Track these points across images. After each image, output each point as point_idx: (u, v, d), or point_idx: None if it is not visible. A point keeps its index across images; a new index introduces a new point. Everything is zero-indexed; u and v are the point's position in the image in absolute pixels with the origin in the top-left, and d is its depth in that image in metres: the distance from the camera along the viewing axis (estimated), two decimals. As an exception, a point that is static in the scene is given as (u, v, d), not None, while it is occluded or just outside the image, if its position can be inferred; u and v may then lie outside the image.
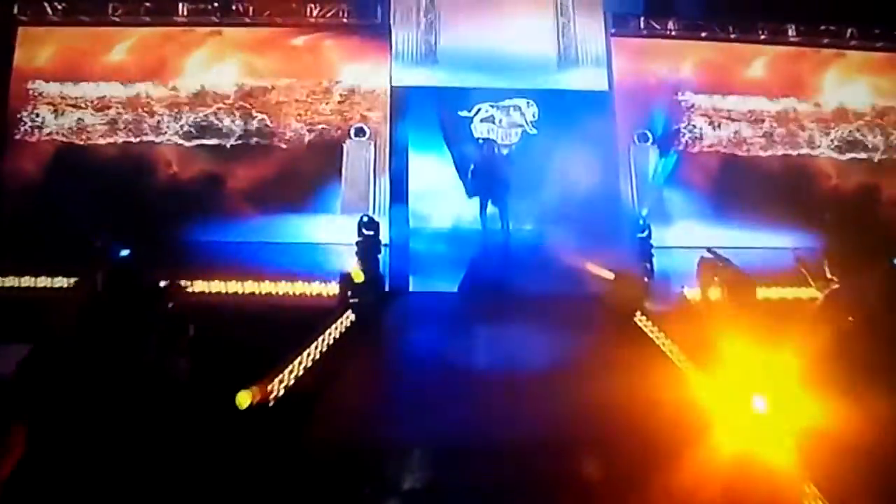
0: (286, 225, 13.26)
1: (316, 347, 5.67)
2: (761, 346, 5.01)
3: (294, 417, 4.61)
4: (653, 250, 12.28)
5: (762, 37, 15.39)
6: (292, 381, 4.89)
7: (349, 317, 6.83)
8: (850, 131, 15.20)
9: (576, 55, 14.50)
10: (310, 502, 4.45)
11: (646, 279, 9.00)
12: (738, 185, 14.26)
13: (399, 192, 13.60)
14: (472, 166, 13.21)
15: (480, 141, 13.90)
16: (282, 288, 9.47)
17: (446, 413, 5.19)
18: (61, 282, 9.86)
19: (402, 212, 13.40)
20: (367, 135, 14.22)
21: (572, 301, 8.14)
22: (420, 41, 14.39)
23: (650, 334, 6.26)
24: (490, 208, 12.85)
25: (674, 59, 15.16)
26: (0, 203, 13.41)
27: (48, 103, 14.51)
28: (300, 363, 5.21)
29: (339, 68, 14.62)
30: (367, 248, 11.89)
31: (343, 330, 6.43)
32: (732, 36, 15.29)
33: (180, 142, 14.37)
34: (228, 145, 14.30)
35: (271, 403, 4.49)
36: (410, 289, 12.46)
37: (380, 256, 12.11)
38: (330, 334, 6.10)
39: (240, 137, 14.34)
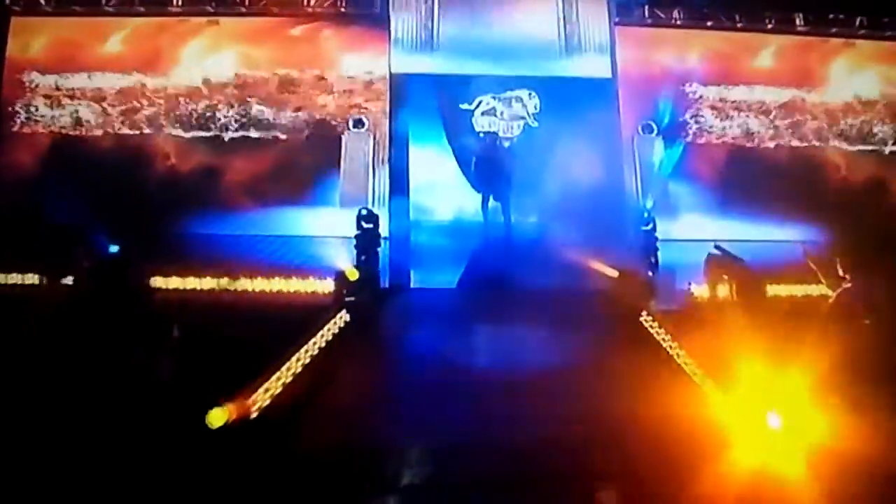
0: (284, 218, 13.04)
1: (307, 351, 5.42)
2: (773, 354, 4.78)
3: (275, 433, 4.38)
4: (658, 244, 12.03)
5: (769, 26, 15.08)
6: (276, 393, 4.60)
7: (343, 317, 6.58)
8: (859, 122, 14.93)
9: (579, 42, 14.17)
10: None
11: (651, 277, 8.73)
12: (744, 177, 13.99)
13: (399, 184, 13.35)
14: (474, 159, 12.96)
15: (482, 135, 13.63)
16: (276, 285, 9.17)
17: (443, 427, 4.98)
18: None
19: (403, 204, 13.16)
20: (366, 126, 13.99)
21: (575, 299, 7.90)
22: (419, 27, 14.05)
23: (656, 336, 6.02)
24: (492, 202, 12.64)
25: (679, 48, 14.90)
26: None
27: (43, 95, 14.31)
28: (287, 370, 4.94)
29: (337, 58, 14.37)
30: (366, 241, 11.72)
31: (336, 331, 6.19)
32: (739, 25, 14.98)
33: (177, 133, 14.16)
34: (226, 137, 14.09)
35: (253, 416, 4.24)
36: (411, 282, 12.28)
37: (379, 250, 11.95)
38: (323, 336, 5.86)
39: (237, 129, 14.13)
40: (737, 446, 4.12)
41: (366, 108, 14.07)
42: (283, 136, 14.04)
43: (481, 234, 12.59)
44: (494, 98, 13.88)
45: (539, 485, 4.57)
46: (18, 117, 14.14)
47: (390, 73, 13.86)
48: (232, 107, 14.22)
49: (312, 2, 14.52)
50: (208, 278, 8.71)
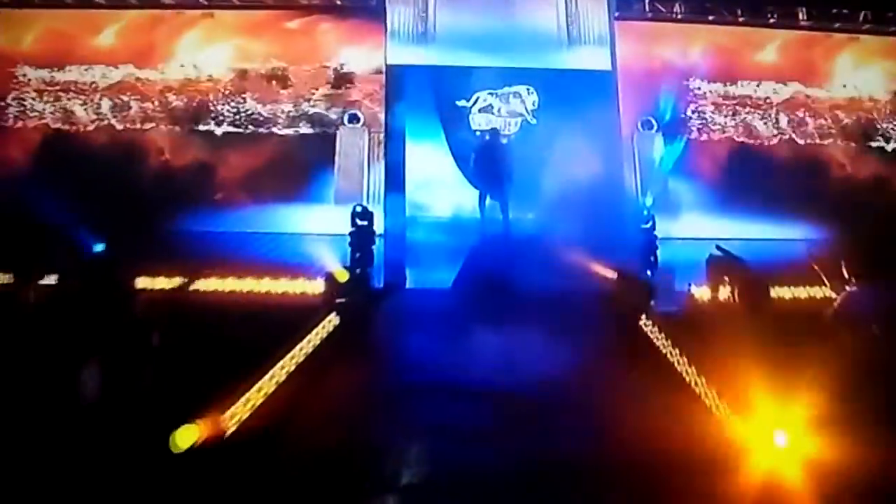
0: (278, 214, 12.83)
1: (292, 358, 5.20)
2: (776, 362, 4.58)
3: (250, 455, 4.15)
4: (657, 242, 11.82)
5: (772, 20, 14.86)
6: (254, 407, 4.37)
7: (332, 321, 6.36)
8: (864, 118, 14.71)
9: (578, 34, 13.86)
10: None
11: (650, 279, 8.53)
12: (746, 174, 13.82)
13: (395, 180, 13.07)
14: (472, 155, 12.73)
15: (478, 133, 13.41)
16: (265, 286, 8.93)
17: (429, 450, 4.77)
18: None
19: (399, 201, 12.90)
20: (362, 121, 13.80)
21: (573, 302, 7.69)
22: (416, 18, 13.73)
23: (656, 342, 5.82)
24: (489, 199, 12.42)
25: (680, 43, 14.67)
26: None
27: (33, 89, 14.14)
28: (270, 379, 4.71)
29: (333, 52, 14.24)
30: (361, 239, 11.52)
31: (325, 336, 5.97)
32: (741, 19, 14.74)
33: (170, 128, 13.99)
34: (219, 132, 13.92)
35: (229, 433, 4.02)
36: (407, 281, 12.04)
37: (374, 248, 11.76)
38: (310, 342, 5.64)
39: (231, 124, 13.94)
40: (741, 464, 3.94)
41: (361, 103, 13.87)
42: (278, 131, 13.87)
43: (478, 231, 12.35)
44: (492, 94, 13.62)
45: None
46: (9, 112, 13.92)
47: (386, 65, 13.58)
48: (226, 101, 14.06)
49: (308, -6, 14.34)
50: (194, 279, 8.50)
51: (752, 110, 14.66)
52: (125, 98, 14.13)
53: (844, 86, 14.90)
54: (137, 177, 13.19)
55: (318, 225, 12.46)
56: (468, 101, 13.56)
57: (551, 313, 7.10)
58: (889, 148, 14.68)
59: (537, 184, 12.36)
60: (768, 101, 14.71)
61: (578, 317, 6.99)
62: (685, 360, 5.24)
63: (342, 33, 14.25)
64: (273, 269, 9.48)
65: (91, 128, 14.04)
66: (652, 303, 7.03)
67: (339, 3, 14.34)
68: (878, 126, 14.72)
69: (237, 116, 13.96)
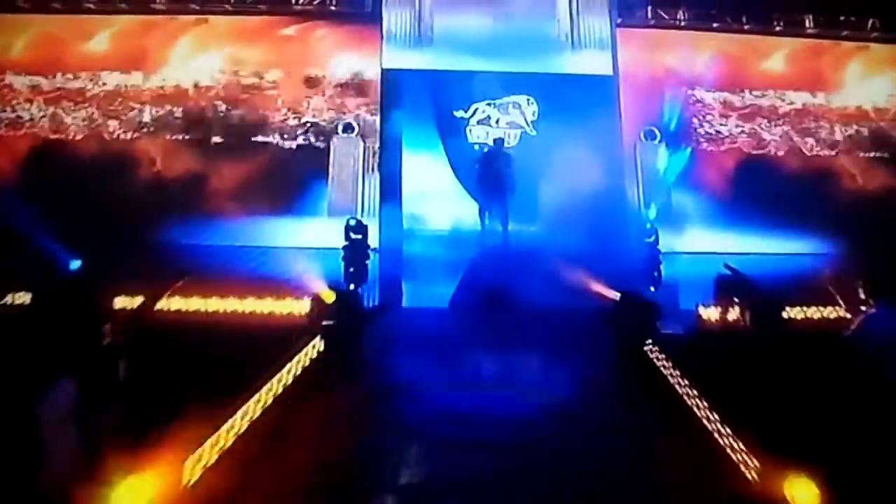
0: (269, 227, 12.45)
1: (270, 391, 4.78)
2: (791, 393, 4.22)
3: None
4: (661, 256, 11.49)
5: (777, 28, 14.52)
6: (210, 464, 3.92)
7: (316, 346, 5.95)
8: (874, 128, 14.35)
9: (578, 38, 13.56)
10: None
11: (655, 300, 8.16)
12: (753, 186, 13.43)
13: (391, 191, 12.74)
14: (473, 166, 12.38)
15: (476, 147, 13.06)
16: (249, 305, 8.54)
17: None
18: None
19: (395, 212, 12.56)
20: (356, 131, 13.44)
21: (574, 324, 7.31)
22: (413, 21, 13.41)
23: (663, 371, 5.43)
24: (489, 212, 12.06)
25: (684, 51, 14.29)
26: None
27: (21, 96, 13.80)
28: (238, 422, 4.27)
29: (327, 60, 13.90)
30: (355, 253, 11.21)
31: (306, 365, 5.56)
32: (746, 27, 14.39)
33: (161, 137, 13.64)
34: (212, 141, 13.56)
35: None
36: (403, 296, 11.68)
37: (368, 262, 11.45)
38: (290, 371, 5.23)
39: (223, 133, 13.60)
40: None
41: (356, 112, 13.53)
42: (270, 141, 13.53)
43: (477, 244, 12.00)
44: (490, 105, 13.27)
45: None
46: (-2, 120, 13.61)
47: (382, 70, 13.26)
48: (218, 110, 13.70)
49: (301, 0, 13.98)
50: (177, 297, 8.11)
51: (759, 120, 14.29)
52: (115, 106, 13.77)
53: (854, 95, 14.53)
54: (125, 187, 12.81)
55: (311, 238, 12.13)
56: (466, 111, 13.22)
57: (550, 337, 6.74)
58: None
59: (538, 196, 12.04)
60: (775, 110, 14.35)
61: (579, 341, 6.62)
62: (695, 392, 4.84)
63: (337, 40, 13.93)
64: (260, 286, 9.08)
65: (79, 136, 13.67)
66: (657, 324, 6.65)
67: (333, 9, 14.01)
68: (889, 136, 14.33)
69: (229, 125, 13.61)
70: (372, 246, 11.66)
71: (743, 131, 14.24)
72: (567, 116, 12.10)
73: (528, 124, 13.26)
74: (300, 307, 8.36)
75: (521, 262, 10.88)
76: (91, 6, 13.96)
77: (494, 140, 12.68)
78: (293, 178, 13.08)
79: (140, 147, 13.57)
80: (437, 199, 12.86)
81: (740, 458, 4.06)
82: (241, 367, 5.25)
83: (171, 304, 7.92)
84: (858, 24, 14.58)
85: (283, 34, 14.08)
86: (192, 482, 3.66)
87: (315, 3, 14.02)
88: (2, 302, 7.49)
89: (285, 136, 13.58)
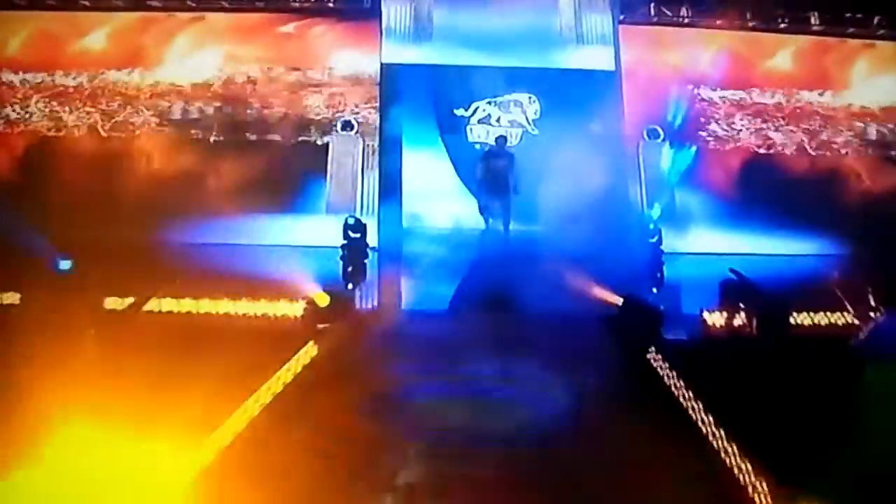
0: (267, 225, 12.33)
1: (257, 401, 4.59)
2: (799, 407, 4.06)
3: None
4: (663, 258, 11.34)
5: (782, 25, 14.33)
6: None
7: (309, 352, 5.77)
8: (880, 128, 14.20)
9: (580, 32, 13.35)
10: None
11: (658, 307, 7.99)
12: (758, 186, 13.21)
13: (391, 189, 12.56)
14: (474, 164, 12.24)
15: (477, 146, 12.89)
16: (242, 307, 8.35)
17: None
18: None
19: (395, 211, 12.40)
20: (355, 129, 13.30)
21: (575, 329, 7.15)
22: (412, 15, 13.19)
23: (667, 381, 5.26)
24: (490, 209, 11.93)
25: (687, 48, 14.12)
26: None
27: (17, 94, 13.67)
28: (222, 436, 4.08)
29: (326, 57, 13.78)
30: (353, 252, 11.06)
31: (298, 372, 5.38)
32: (750, 24, 14.19)
33: (157, 135, 13.52)
34: (209, 139, 13.46)
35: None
36: (403, 297, 11.52)
37: (367, 261, 11.30)
38: (280, 379, 5.05)
39: (221, 130, 13.49)
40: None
41: (356, 110, 13.38)
42: (268, 138, 13.42)
43: (478, 243, 11.87)
44: (491, 103, 13.10)
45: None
46: (-6, 116, 13.49)
47: (381, 64, 13.08)
48: (216, 108, 13.59)
49: (300, -4, 13.87)
50: (168, 299, 7.94)
51: (764, 119, 14.14)
52: (112, 104, 13.67)
53: (861, 94, 14.35)
54: (121, 185, 12.67)
55: (309, 237, 12.00)
56: (466, 110, 13.06)
57: (550, 345, 6.56)
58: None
59: (539, 195, 11.88)
60: (781, 109, 14.18)
61: (581, 349, 6.46)
62: (700, 406, 4.67)
63: (336, 37, 13.80)
64: (255, 286, 8.90)
65: (75, 134, 13.56)
66: (661, 330, 6.48)
67: (332, 5, 13.86)
68: (896, 136, 14.19)
69: (227, 123, 13.50)
70: (371, 245, 11.54)
71: (748, 130, 14.07)
72: (569, 114, 11.96)
73: (529, 123, 13.10)
74: (294, 310, 8.20)
75: (523, 263, 10.74)
76: (87, 3, 13.81)
77: (496, 138, 12.53)
78: (291, 176, 12.94)
79: (136, 145, 13.44)
80: (437, 197, 12.68)
81: (749, 481, 3.88)
82: (232, 370, 5.11)
83: (161, 305, 7.77)
84: (864, 21, 14.37)
85: (282, 31, 13.93)
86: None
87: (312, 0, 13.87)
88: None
89: (284, 133, 13.45)
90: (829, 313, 7.94)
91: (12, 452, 3.55)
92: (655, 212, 12.37)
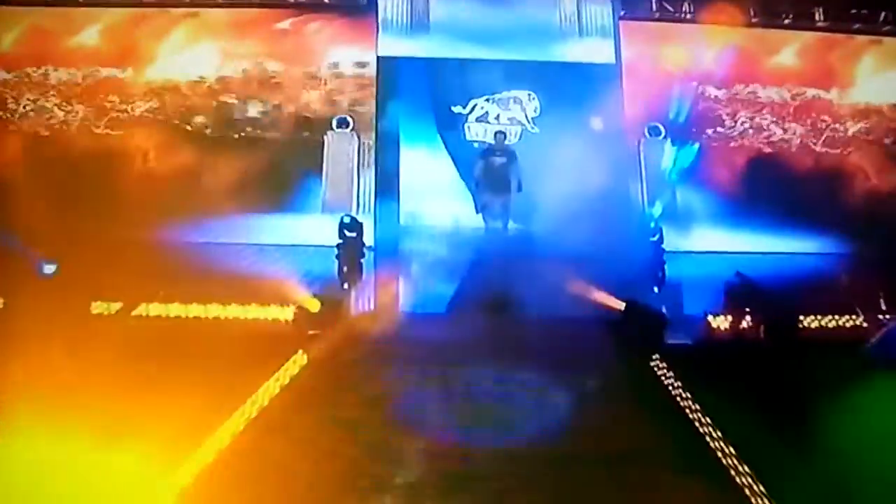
0: (261, 224, 12.16)
1: (242, 415, 4.38)
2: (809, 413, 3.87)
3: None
4: (665, 256, 11.19)
5: (787, 21, 14.12)
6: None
7: (298, 361, 5.52)
8: (887, 125, 13.95)
9: (580, 25, 13.19)
10: None
11: (661, 311, 7.81)
12: (761, 184, 13.05)
13: (388, 186, 12.42)
14: (473, 162, 12.06)
15: (476, 145, 12.70)
16: (232, 312, 8.14)
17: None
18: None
19: (392, 209, 12.24)
20: (351, 126, 13.10)
21: (577, 333, 6.96)
22: (410, 8, 13.04)
23: (672, 391, 5.04)
24: (489, 208, 11.79)
25: (690, 45, 13.88)
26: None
27: (10, 92, 13.46)
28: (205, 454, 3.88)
29: (322, 53, 13.54)
30: (349, 252, 10.92)
31: (286, 383, 5.14)
32: (754, 20, 13.97)
33: (152, 132, 13.31)
34: (203, 136, 13.27)
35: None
36: (400, 297, 11.36)
37: (363, 261, 11.17)
38: (267, 390, 4.83)
39: (215, 127, 13.29)
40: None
41: (352, 107, 13.20)
42: (262, 135, 13.23)
43: (477, 242, 11.70)
44: (489, 101, 12.92)
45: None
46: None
47: (378, 57, 12.93)
48: (210, 104, 13.40)
49: (293, -8, 13.68)
50: (156, 304, 7.73)
51: (768, 116, 13.91)
52: (105, 100, 13.48)
53: (867, 90, 14.14)
54: (115, 183, 12.49)
55: (304, 236, 11.93)
56: (464, 108, 12.88)
57: (551, 350, 6.37)
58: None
59: (539, 194, 11.71)
60: (785, 106, 13.97)
61: (581, 354, 6.26)
62: (708, 420, 4.46)
63: (332, 34, 13.58)
64: (247, 287, 8.71)
65: (69, 131, 13.39)
66: (664, 336, 6.29)
67: (328, 1, 13.68)
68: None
69: (221, 120, 13.31)
70: (367, 244, 11.40)
71: (751, 127, 13.88)
72: (569, 111, 11.79)
73: (528, 121, 12.92)
74: (285, 314, 7.99)
75: (523, 263, 10.59)
76: (80, -1, 13.62)
77: (495, 134, 12.36)
78: (286, 174, 12.76)
79: (131, 142, 13.23)
80: (435, 195, 12.50)
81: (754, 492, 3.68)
82: (224, 377, 4.95)
83: (150, 310, 7.57)
84: (870, 17, 14.16)
85: (278, 28, 13.75)
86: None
87: (307, -6, 13.70)
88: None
89: (278, 131, 13.26)
90: (836, 316, 7.77)
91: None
92: (657, 210, 12.30)
